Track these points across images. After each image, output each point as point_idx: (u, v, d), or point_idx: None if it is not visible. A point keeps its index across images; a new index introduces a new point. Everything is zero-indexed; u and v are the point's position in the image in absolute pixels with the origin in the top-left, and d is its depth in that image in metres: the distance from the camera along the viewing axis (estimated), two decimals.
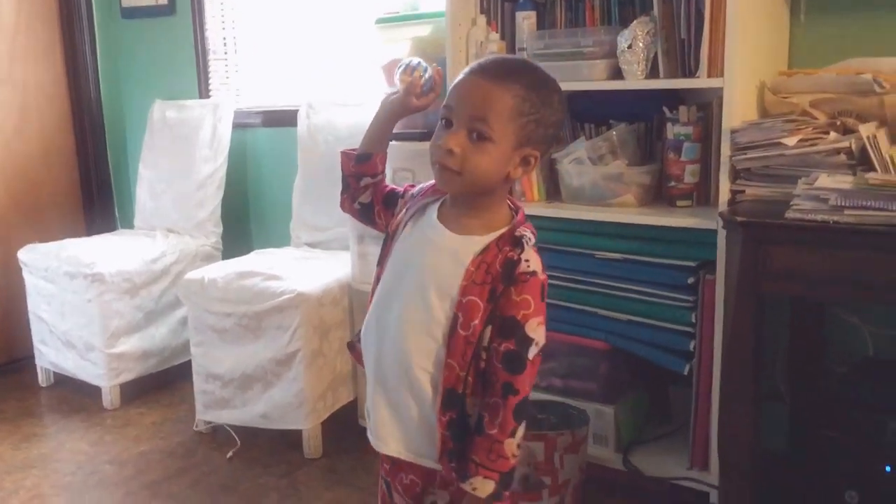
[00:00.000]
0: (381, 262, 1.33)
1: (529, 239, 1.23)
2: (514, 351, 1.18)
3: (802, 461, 2.18)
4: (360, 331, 1.35)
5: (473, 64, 1.25)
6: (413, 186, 1.38)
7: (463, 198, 1.24)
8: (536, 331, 1.19)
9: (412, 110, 1.34)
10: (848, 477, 1.88)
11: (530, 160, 1.22)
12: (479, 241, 1.22)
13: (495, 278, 1.18)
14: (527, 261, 1.19)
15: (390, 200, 1.38)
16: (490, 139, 1.17)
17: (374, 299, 1.31)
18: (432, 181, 1.30)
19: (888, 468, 1.77)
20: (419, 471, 1.27)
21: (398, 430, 1.25)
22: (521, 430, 1.20)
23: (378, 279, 1.32)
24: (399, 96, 1.33)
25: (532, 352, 1.19)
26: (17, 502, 2.42)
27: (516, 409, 1.18)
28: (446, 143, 1.17)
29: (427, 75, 1.32)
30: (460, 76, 1.22)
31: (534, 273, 1.19)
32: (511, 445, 1.19)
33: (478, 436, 1.19)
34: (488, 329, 1.19)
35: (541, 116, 1.20)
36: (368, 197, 1.40)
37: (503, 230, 1.22)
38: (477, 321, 1.18)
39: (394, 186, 1.41)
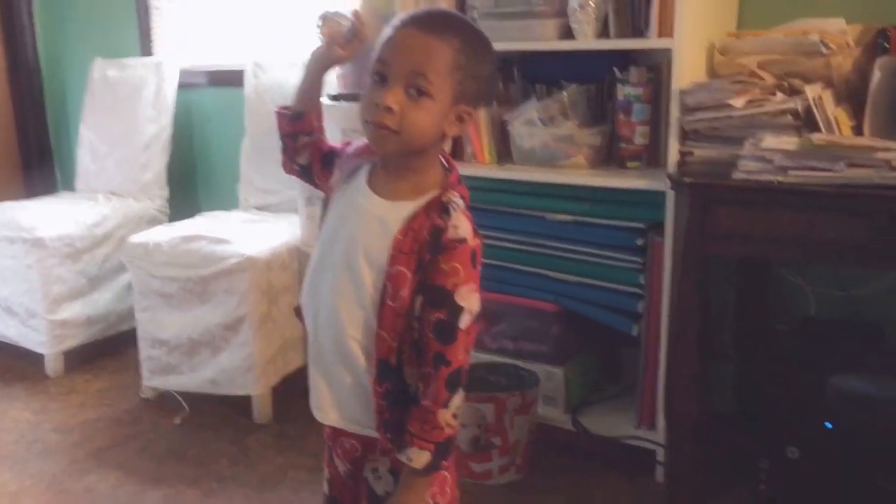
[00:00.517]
0: (321, 226, 1.29)
1: (457, 204, 1.17)
2: (445, 321, 1.13)
3: (747, 419, 2.23)
4: None
5: (404, 16, 1.17)
6: (349, 144, 1.32)
7: (394, 159, 1.19)
8: (468, 299, 1.15)
9: (338, 61, 1.30)
10: (790, 433, 1.92)
11: (464, 117, 1.17)
12: (407, 207, 1.17)
13: (423, 247, 1.14)
14: (455, 227, 1.14)
15: (328, 160, 1.32)
16: (429, 95, 1.12)
17: (309, 266, 1.27)
18: (363, 141, 1.25)
19: (828, 424, 1.81)
20: (359, 437, 1.25)
21: (335, 400, 1.23)
22: (456, 400, 1.16)
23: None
24: (323, 48, 1.28)
25: (464, 321, 1.14)
26: None
27: (449, 380, 1.15)
28: (384, 99, 1.10)
29: (346, 23, 1.29)
30: (393, 29, 1.15)
31: (463, 240, 1.14)
32: (445, 415, 1.15)
33: (414, 406, 1.17)
34: (419, 298, 1.15)
35: (477, 72, 1.15)
36: (307, 158, 1.34)
37: (434, 194, 1.18)
38: (405, 292, 1.14)
39: (333, 145, 1.35)
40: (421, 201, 1.17)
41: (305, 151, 1.34)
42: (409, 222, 1.15)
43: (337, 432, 1.27)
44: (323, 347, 1.22)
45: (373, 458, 1.24)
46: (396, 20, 1.17)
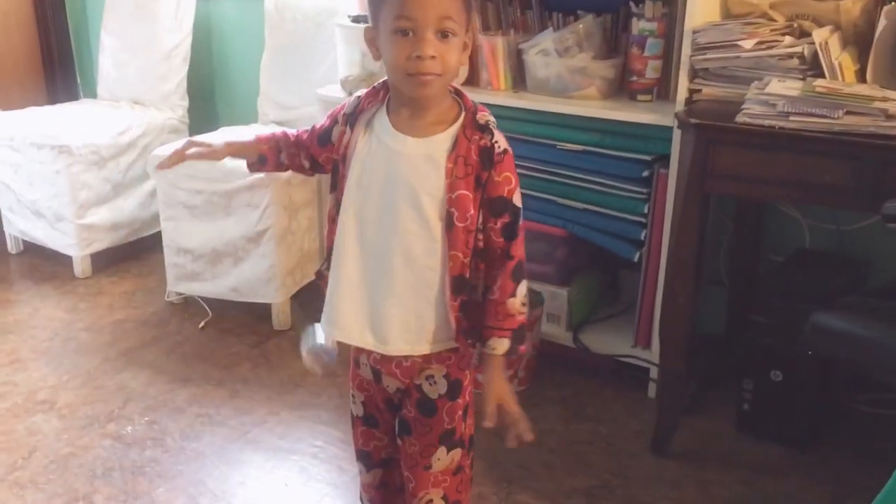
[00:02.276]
0: (338, 185, 1.35)
1: (493, 121, 1.31)
2: (509, 222, 1.30)
3: (735, 342, 2.38)
4: (326, 259, 1.40)
5: None
6: (340, 109, 1.37)
7: (412, 99, 1.27)
8: (519, 200, 1.32)
9: None
10: (774, 358, 2.07)
11: (467, 43, 1.28)
12: (445, 139, 1.27)
13: (476, 167, 1.26)
14: (497, 142, 1.28)
15: (324, 140, 1.39)
16: (454, 33, 1.21)
17: (346, 221, 1.34)
18: (355, 95, 1.35)
19: (810, 351, 1.95)
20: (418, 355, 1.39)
21: (404, 330, 1.34)
22: (522, 289, 1.32)
23: (338, 203, 1.35)
24: None
25: (520, 218, 1.32)
26: None
27: (514, 272, 1.31)
28: (425, 50, 1.19)
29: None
30: None
31: (506, 151, 1.29)
32: (515, 304, 1.31)
33: (487, 304, 1.33)
34: (482, 211, 1.29)
35: (471, 1, 1.27)
36: (306, 160, 1.44)
37: (461, 119, 1.28)
38: (472, 210, 1.27)
39: (318, 127, 1.41)
40: (452, 129, 1.28)
41: (299, 158, 1.44)
42: (454, 150, 1.26)
43: (388, 357, 1.38)
44: (391, 287, 1.32)
45: (427, 368, 1.38)
46: None
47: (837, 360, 1.97)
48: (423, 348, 1.36)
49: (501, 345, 1.32)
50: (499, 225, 1.29)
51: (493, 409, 1.31)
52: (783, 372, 2.07)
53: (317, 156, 1.42)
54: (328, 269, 1.41)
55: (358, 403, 1.50)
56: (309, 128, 1.44)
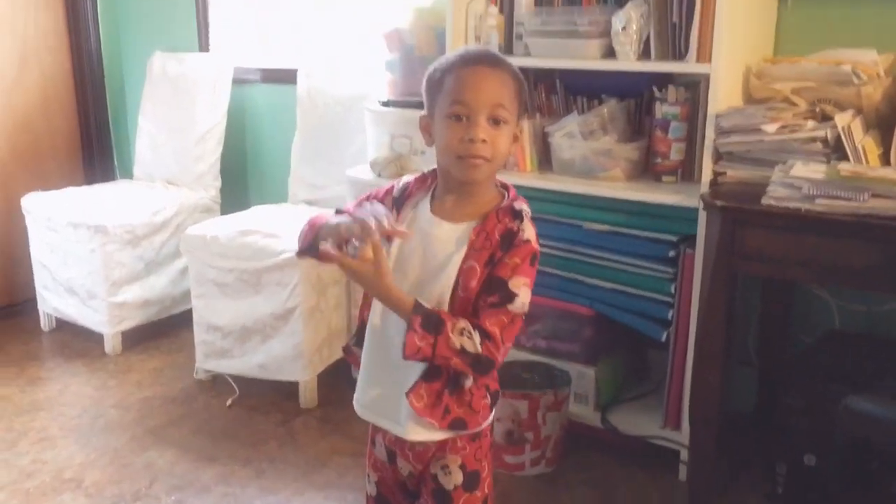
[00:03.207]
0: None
1: (528, 213, 1.34)
2: (496, 302, 1.27)
3: (768, 424, 2.34)
4: (355, 335, 1.42)
5: (462, 57, 1.31)
6: (388, 190, 1.39)
7: (459, 185, 1.31)
8: (521, 289, 1.28)
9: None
10: (808, 441, 2.03)
11: (518, 135, 1.33)
12: (477, 221, 1.31)
13: (494, 245, 1.28)
14: (522, 230, 1.30)
15: None
16: (506, 121, 1.27)
17: (377, 303, 1.34)
18: (407, 179, 1.38)
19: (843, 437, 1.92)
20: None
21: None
22: (470, 345, 1.25)
23: None
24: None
25: (514, 306, 1.27)
26: (27, 443, 2.55)
27: (478, 359, 1.25)
28: (478, 134, 1.24)
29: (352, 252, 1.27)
30: (459, 71, 1.28)
31: (528, 241, 1.30)
32: (456, 337, 1.24)
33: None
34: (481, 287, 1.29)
35: (524, 94, 1.32)
36: None
37: (502, 204, 1.32)
38: (474, 283, 1.28)
39: (361, 201, 1.40)
40: (488, 213, 1.31)
41: None
42: (482, 224, 1.30)
43: (403, 440, 1.38)
44: (409, 371, 1.32)
45: (442, 456, 1.38)
46: (455, 61, 1.31)
47: (872, 445, 1.93)
48: (438, 434, 1.35)
49: (421, 314, 1.25)
50: (488, 301, 1.27)
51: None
52: (817, 456, 2.03)
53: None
54: (356, 344, 1.43)
55: (372, 483, 1.50)
56: (353, 204, 1.40)
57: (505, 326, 1.28)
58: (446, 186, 1.34)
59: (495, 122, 1.26)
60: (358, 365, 1.44)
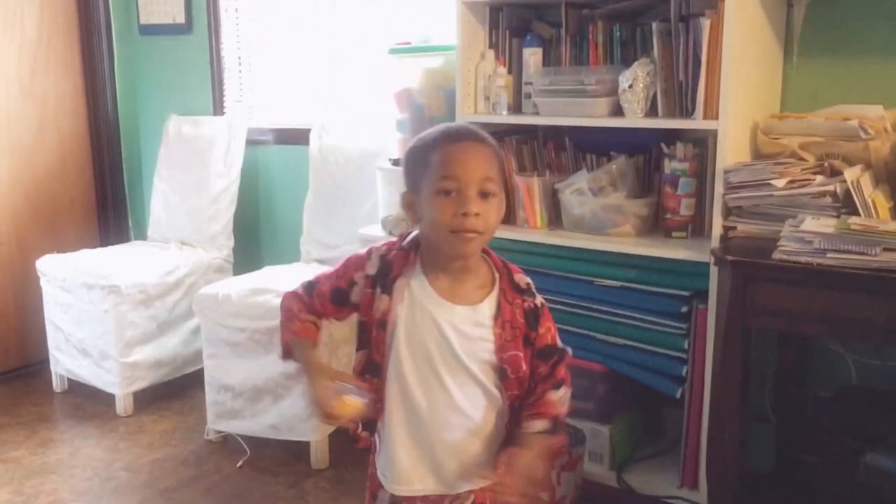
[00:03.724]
0: (369, 345, 1.37)
1: (530, 283, 1.41)
2: (556, 361, 1.42)
3: (787, 482, 2.30)
4: (364, 422, 1.41)
5: (445, 133, 1.33)
6: (354, 269, 1.38)
7: (450, 260, 1.33)
8: (558, 337, 1.45)
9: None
10: (828, 498, 1.99)
11: (503, 203, 1.36)
12: (488, 305, 1.35)
13: (522, 329, 1.36)
14: (537, 303, 1.40)
15: (340, 300, 1.39)
16: (494, 194, 1.30)
17: (392, 385, 1.37)
18: (376, 254, 1.37)
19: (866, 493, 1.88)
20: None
21: (467, 471, 1.39)
22: (562, 391, 1.43)
23: (368, 362, 1.38)
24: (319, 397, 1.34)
25: (565, 354, 1.45)
26: None
27: (554, 383, 1.42)
28: (471, 208, 1.26)
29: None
30: (447, 147, 1.30)
31: (543, 304, 1.41)
32: (553, 395, 1.40)
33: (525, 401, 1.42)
34: (533, 362, 1.40)
35: (504, 168, 1.37)
36: (317, 323, 1.44)
37: (498, 282, 1.37)
38: (524, 366, 1.37)
39: (326, 288, 1.40)
40: (494, 294, 1.36)
41: (314, 327, 1.45)
42: (499, 316, 1.34)
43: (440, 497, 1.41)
44: (446, 438, 1.37)
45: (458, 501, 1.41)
46: (439, 138, 1.33)
47: (894, 502, 1.89)
48: (479, 483, 1.39)
49: (536, 425, 1.37)
50: (549, 364, 1.41)
51: (513, 478, 1.31)
52: None
53: (330, 315, 1.43)
54: (364, 430, 1.44)
55: None
56: (304, 284, 1.42)
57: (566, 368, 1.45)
58: (436, 263, 1.35)
59: (484, 195, 1.28)
60: (368, 445, 1.47)
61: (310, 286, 1.42)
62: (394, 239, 1.42)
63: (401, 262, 1.36)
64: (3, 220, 3.51)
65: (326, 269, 3.02)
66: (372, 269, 1.37)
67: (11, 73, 3.51)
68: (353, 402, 1.31)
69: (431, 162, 1.29)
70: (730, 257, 1.86)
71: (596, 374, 2.42)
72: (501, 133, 2.59)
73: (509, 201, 2.54)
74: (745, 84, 2.14)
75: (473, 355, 1.34)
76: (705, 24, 2.09)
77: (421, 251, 1.36)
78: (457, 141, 1.31)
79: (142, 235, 3.84)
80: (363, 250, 1.40)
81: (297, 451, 2.75)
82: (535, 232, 2.49)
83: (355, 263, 1.39)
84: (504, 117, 2.50)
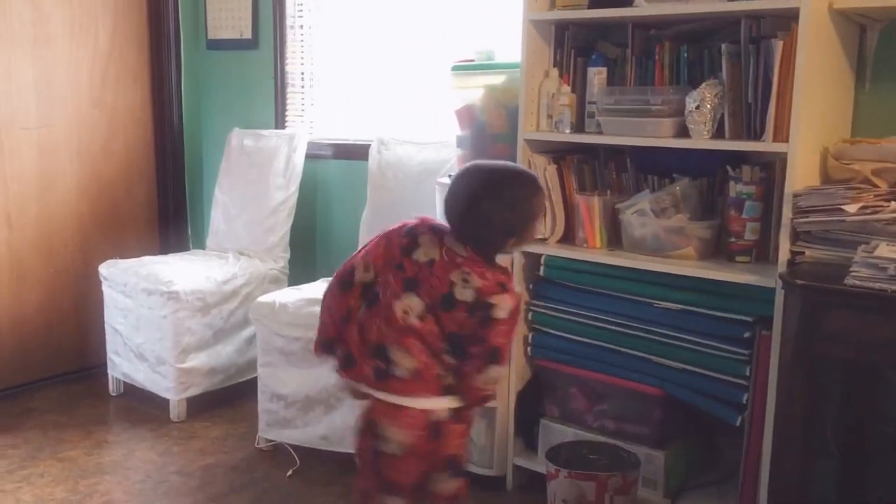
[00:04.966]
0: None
1: None
2: None
3: None
4: None
5: (537, 183, 1.86)
6: None
7: None
8: None
9: None
10: None
11: None
12: None
13: None
14: None
15: None
16: None
17: None
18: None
19: None
20: None
21: None
22: None
23: None
24: None
25: None
26: None
27: None
28: None
29: None
30: (541, 199, 1.85)
31: None
32: None
33: None
34: None
35: None
36: None
37: None
38: None
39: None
40: None
41: None
42: None
43: None
44: None
45: None
46: (537, 191, 1.81)
47: None
48: None
49: None
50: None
51: None
52: None
53: None
54: None
55: None
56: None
57: None
58: None
59: None
60: None
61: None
62: (503, 274, 1.78)
63: None
64: (68, 225, 3.61)
65: None
66: None
67: (84, 83, 3.62)
68: None
69: (535, 212, 1.81)
70: (800, 282, 1.82)
71: (652, 398, 2.39)
72: (563, 151, 2.59)
73: (568, 220, 2.55)
74: (817, 107, 2.10)
75: None
76: (777, 45, 2.06)
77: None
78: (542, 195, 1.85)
79: (200, 245, 3.91)
80: (514, 304, 1.75)
81: (348, 462, 2.74)
82: (595, 252, 2.47)
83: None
84: (566, 136, 2.50)
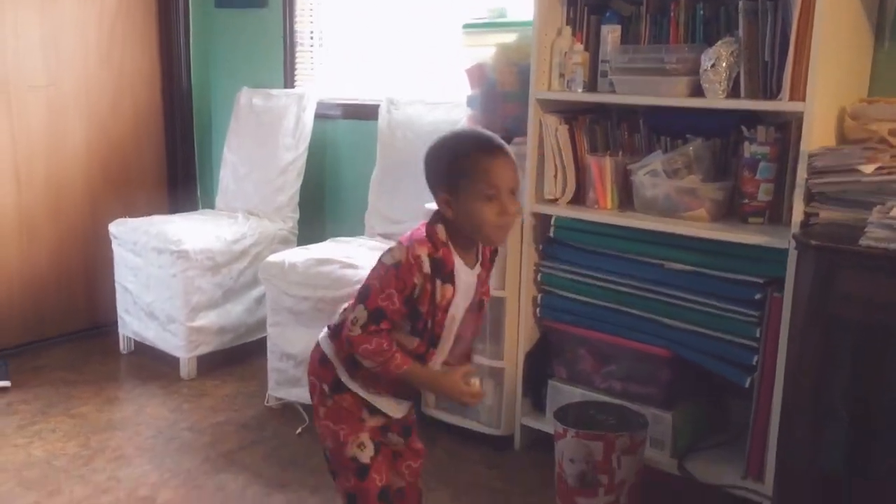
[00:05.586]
0: (438, 325, 1.66)
1: None
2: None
3: (858, 481, 2.22)
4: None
5: (483, 146, 1.60)
6: (412, 276, 1.58)
7: (476, 244, 1.68)
8: None
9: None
10: None
11: None
12: (478, 263, 1.72)
13: (487, 259, 1.75)
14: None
15: (409, 305, 1.61)
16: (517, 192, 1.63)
17: (445, 347, 1.72)
18: (425, 256, 1.59)
19: None
20: None
21: None
22: None
23: (433, 338, 1.68)
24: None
25: None
26: (102, 460, 2.59)
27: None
28: (515, 208, 1.60)
29: None
30: (484, 160, 1.58)
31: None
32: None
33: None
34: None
35: None
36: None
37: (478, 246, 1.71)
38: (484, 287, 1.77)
39: (392, 309, 1.60)
40: (478, 253, 1.72)
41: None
42: (482, 267, 1.73)
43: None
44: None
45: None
46: (477, 152, 1.59)
47: None
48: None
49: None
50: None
51: None
52: None
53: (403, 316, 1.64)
54: None
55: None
56: (366, 319, 1.60)
57: None
58: (464, 245, 1.65)
59: (512, 193, 1.60)
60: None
61: (376, 317, 1.60)
62: (419, 233, 1.63)
63: (445, 254, 1.62)
64: (77, 185, 3.61)
65: (391, 242, 3.02)
66: (427, 268, 1.59)
67: (91, 41, 3.59)
68: (475, 380, 1.70)
69: (471, 171, 1.57)
70: (814, 242, 1.80)
71: (661, 359, 2.38)
72: (575, 111, 2.56)
73: (579, 181, 2.52)
74: (835, 66, 2.07)
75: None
76: (796, 2, 2.02)
77: (449, 237, 1.62)
78: (493, 156, 1.59)
79: (210, 204, 3.91)
80: (400, 257, 1.59)
81: None
82: (605, 213, 2.46)
83: (407, 271, 1.58)
84: (578, 95, 2.47)
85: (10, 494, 2.38)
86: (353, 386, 1.72)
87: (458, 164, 1.58)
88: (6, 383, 3.12)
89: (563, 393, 2.58)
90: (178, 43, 3.86)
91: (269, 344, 2.92)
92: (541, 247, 2.60)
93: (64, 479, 2.47)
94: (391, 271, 1.58)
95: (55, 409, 2.95)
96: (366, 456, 1.71)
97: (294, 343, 2.83)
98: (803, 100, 2.02)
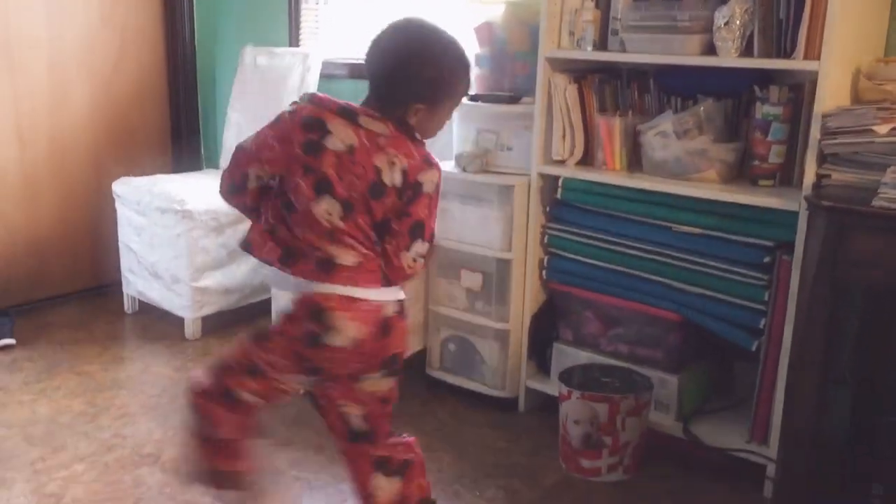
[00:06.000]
0: None
1: None
2: None
3: (862, 443, 2.22)
4: None
5: (468, 65, 1.68)
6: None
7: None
8: None
9: None
10: None
11: None
12: None
13: None
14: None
15: None
16: None
17: None
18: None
19: None
20: None
21: None
22: None
23: None
24: None
25: None
26: (108, 418, 2.60)
27: None
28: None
29: None
30: (469, 79, 1.70)
31: None
32: None
33: None
34: None
35: None
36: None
37: None
38: None
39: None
40: None
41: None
42: None
43: None
44: None
45: None
46: (469, 71, 1.67)
47: None
48: None
49: None
50: None
51: None
52: None
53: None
54: None
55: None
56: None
57: None
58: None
59: None
60: None
61: (431, 240, 1.71)
62: (427, 152, 1.67)
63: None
64: (81, 144, 3.58)
65: None
66: None
67: (93, 0, 3.54)
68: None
69: (456, 93, 1.65)
70: (826, 203, 1.78)
71: (667, 322, 2.37)
72: (584, 71, 2.52)
73: (588, 142, 2.49)
74: (851, 25, 2.02)
75: None
76: None
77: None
78: (469, 76, 1.69)
79: (214, 164, 3.88)
80: (438, 180, 1.68)
81: None
82: (614, 174, 2.43)
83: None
84: (588, 53, 2.42)
85: (16, 449, 2.40)
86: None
87: (451, 86, 1.63)
88: (11, 341, 3.12)
89: (569, 355, 2.57)
90: (181, 1, 3.79)
91: (273, 305, 2.91)
92: (548, 208, 2.58)
93: (69, 436, 2.48)
94: (434, 197, 1.63)
95: (60, 367, 2.96)
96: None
97: None
98: (818, 59, 1.98)
